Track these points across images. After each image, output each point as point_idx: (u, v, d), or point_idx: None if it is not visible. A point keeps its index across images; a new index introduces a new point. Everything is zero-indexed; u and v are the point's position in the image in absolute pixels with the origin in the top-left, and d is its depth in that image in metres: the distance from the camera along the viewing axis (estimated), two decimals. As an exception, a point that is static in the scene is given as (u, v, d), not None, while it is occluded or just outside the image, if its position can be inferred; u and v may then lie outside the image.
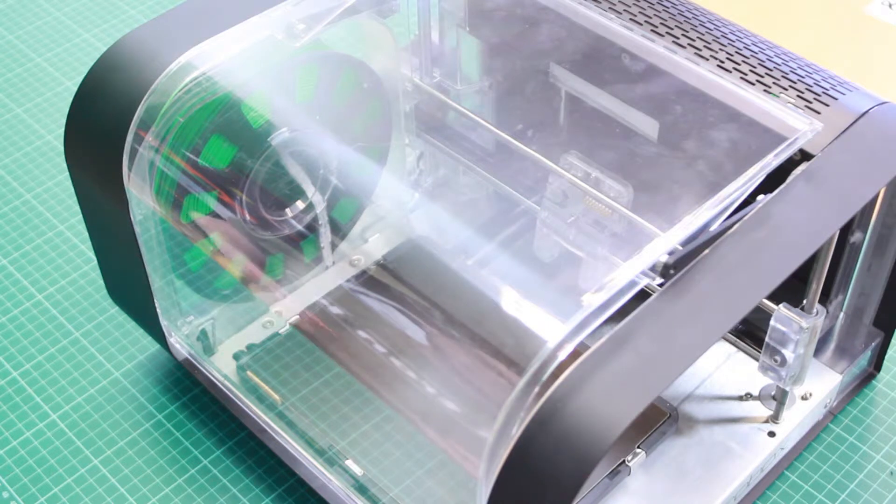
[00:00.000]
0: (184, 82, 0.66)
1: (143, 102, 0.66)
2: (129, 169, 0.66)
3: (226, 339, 0.78)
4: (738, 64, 0.67)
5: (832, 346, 0.77)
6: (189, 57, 0.67)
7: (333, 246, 0.82)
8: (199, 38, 0.69)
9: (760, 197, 0.60)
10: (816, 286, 0.65)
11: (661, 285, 0.56)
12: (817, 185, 0.61)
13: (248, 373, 0.75)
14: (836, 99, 0.65)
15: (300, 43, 0.69)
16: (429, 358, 0.77)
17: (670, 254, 0.56)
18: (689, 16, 0.71)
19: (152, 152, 0.67)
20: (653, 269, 0.56)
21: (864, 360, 0.78)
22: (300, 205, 0.79)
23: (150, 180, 0.68)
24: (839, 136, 0.63)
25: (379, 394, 0.75)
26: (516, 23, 0.77)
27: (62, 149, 0.73)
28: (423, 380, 0.76)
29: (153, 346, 0.82)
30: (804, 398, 0.74)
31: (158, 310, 0.73)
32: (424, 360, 0.77)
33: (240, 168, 0.73)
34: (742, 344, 0.76)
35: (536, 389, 0.52)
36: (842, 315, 0.76)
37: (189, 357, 0.77)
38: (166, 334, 0.75)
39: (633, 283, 0.56)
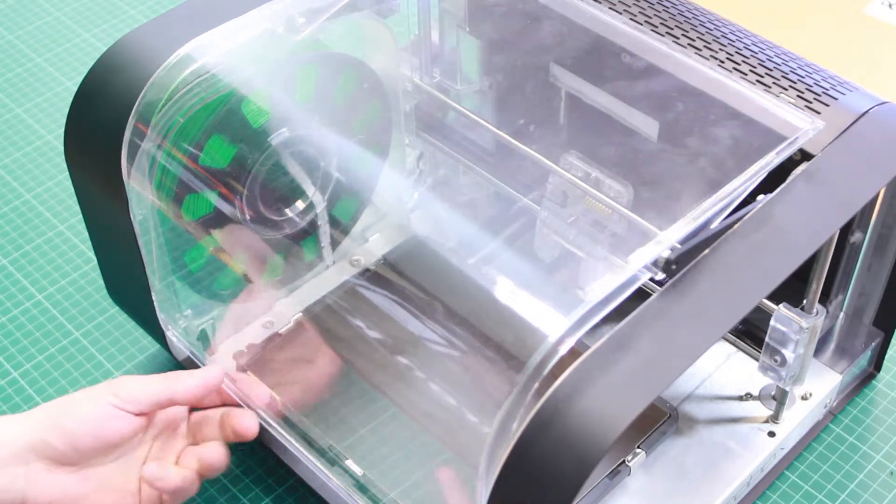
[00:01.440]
0: (184, 83, 0.66)
1: (142, 102, 0.66)
2: (129, 169, 0.66)
3: (226, 339, 0.78)
4: (739, 64, 0.67)
5: (832, 346, 0.77)
6: (189, 57, 0.68)
7: (334, 245, 0.82)
8: (198, 37, 0.69)
9: (760, 197, 0.60)
10: (816, 286, 0.65)
11: (662, 282, 0.56)
12: (817, 185, 0.61)
13: (249, 372, 0.75)
14: (836, 99, 0.65)
15: (300, 36, 0.69)
16: (429, 357, 0.77)
17: (672, 249, 0.56)
18: (689, 16, 0.71)
19: (152, 153, 0.67)
20: (654, 264, 0.56)
21: (864, 360, 0.78)
22: (300, 204, 0.79)
23: (150, 180, 0.68)
24: (839, 136, 0.63)
25: (380, 392, 0.75)
26: (516, 23, 0.77)
27: (62, 149, 0.73)
28: (423, 378, 0.76)
29: (153, 346, 0.82)
30: (804, 398, 0.74)
31: (158, 310, 0.73)
32: (425, 359, 0.77)
33: (240, 168, 0.73)
34: (742, 344, 0.76)
35: (536, 385, 0.52)
36: (842, 315, 0.76)
37: (190, 356, 0.77)
38: (165, 331, 0.75)
39: (634, 279, 0.56)
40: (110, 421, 0.63)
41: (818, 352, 0.75)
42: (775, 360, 0.67)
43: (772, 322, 0.66)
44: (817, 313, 0.66)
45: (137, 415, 0.64)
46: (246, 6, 0.69)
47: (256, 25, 0.69)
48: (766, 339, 0.67)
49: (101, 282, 0.83)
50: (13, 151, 0.98)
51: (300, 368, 0.76)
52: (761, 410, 0.73)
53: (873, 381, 0.79)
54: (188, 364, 0.77)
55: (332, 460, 0.70)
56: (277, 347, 0.77)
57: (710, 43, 0.69)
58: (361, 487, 0.69)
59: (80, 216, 0.78)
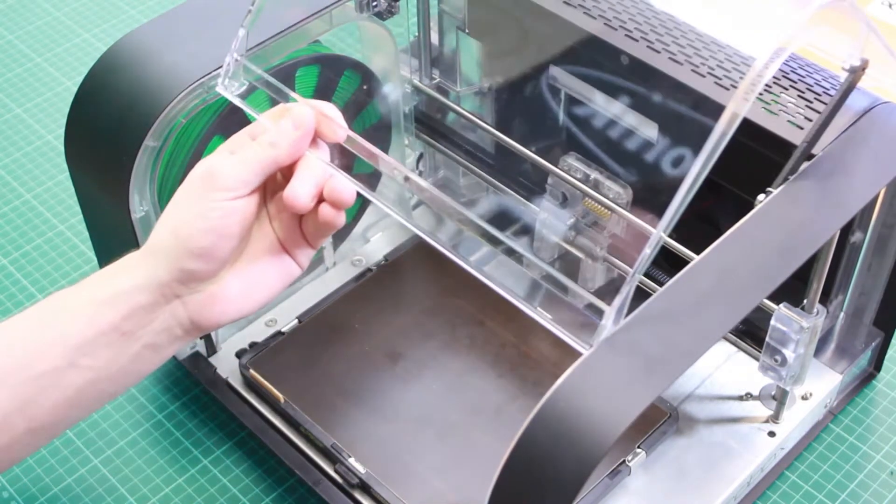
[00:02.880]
0: (185, 82, 0.66)
1: (143, 103, 0.66)
2: (130, 169, 0.66)
3: (228, 337, 0.79)
4: (738, 64, 0.67)
5: (832, 346, 0.77)
6: (190, 58, 0.68)
7: (335, 246, 0.82)
8: (199, 38, 0.69)
9: (760, 197, 0.61)
10: (817, 286, 0.65)
11: (661, 281, 0.56)
12: (817, 185, 0.61)
13: (251, 371, 0.75)
14: (836, 99, 0.65)
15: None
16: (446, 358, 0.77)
17: None
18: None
19: (153, 153, 0.67)
20: None
21: (864, 360, 0.78)
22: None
23: (151, 181, 0.68)
24: (839, 135, 0.63)
25: (385, 394, 0.75)
26: (515, 24, 0.77)
27: (62, 149, 0.73)
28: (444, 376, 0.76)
29: (153, 346, 0.82)
30: (804, 398, 0.74)
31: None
32: (434, 361, 0.77)
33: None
34: (742, 344, 0.76)
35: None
36: (842, 315, 0.76)
37: (192, 355, 0.77)
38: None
39: None
40: (233, 217, 0.58)
41: (818, 352, 0.75)
42: (776, 360, 0.67)
43: (772, 322, 0.66)
44: (818, 313, 0.66)
45: (251, 193, 0.59)
46: (244, 7, 0.68)
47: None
48: (767, 338, 0.67)
49: (102, 282, 0.83)
50: (13, 151, 0.98)
51: None
52: (761, 410, 0.73)
53: (873, 381, 0.79)
54: (189, 363, 0.77)
55: (334, 459, 0.70)
56: (279, 345, 0.77)
57: (709, 44, 0.69)
58: (363, 487, 0.69)
59: (80, 216, 0.78)
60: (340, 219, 0.61)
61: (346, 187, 0.60)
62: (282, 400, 0.73)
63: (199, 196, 0.58)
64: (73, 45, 1.09)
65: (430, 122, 0.83)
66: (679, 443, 0.71)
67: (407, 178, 0.63)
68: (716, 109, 0.64)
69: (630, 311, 0.55)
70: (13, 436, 0.57)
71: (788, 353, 0.66)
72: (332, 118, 0.61)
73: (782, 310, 0.65)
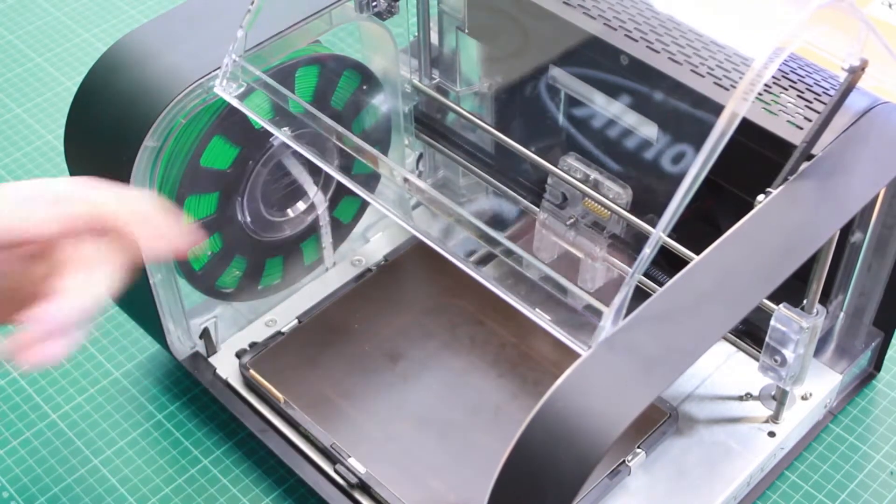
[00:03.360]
0: (185, 83, 0.66)
1: (143, 103, 0.66)
2: (130, 169, 0.66)
3: (228, 338, 0.79)
4: (738, 64, 0.67)
5: (832, 346, 0.77)
6: (190, 58, 0.68)
7: (335, 246, 0.82)
8: (199, 38, 0.69)
9: (760, 197, 0.61)
10: (817, 286, 0.65)
11: (661, 282, 0.56)
12: (817, 185, 0.61)
13: (251, 371, 0.75)
14: (836, 99, 0.65)
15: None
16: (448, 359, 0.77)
17: None
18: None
19: (153, 153, 0.67)
20: None
21: (864, 360, 0.78)
22: (301, 205, 0.79)
23: (151, 181, 0.68)
24: (839, 135, 0.63)
25: (386, 393, 0.75)
26: (515, 24, 0.77)
27: (62, 149, 0.73)
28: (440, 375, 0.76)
29: (153, 346, 0.82)
30: (804, 398, 0.74)
31: (159, 309, 0.73)
32: (436, 361, 0.77)
33: (241, 169, 0.73)
34: (742, 344, 0.76)
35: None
36: (842, 315, 0.76)
37: (190, 354, 0.77)
38: (166, 332, 0.75)
39: None
40: None
41: (818, 352, 0.75)
42: (775, 360, 0.67)
43: (772, 322, 0.66)
44: (817, 313, 0.66)
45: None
46: (244, 7, 0.69)
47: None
48: (767, 338, 0.67)
49: (102, 282, 0.83)
50: (13, 151, 0.98)
51: None
52: (761, 410, 0.73)
53: (873, 381, 0.79)
54: (189, 364, 0.77)
55: (334, 459, 0.70)
56: (279, 345, 0.77)
57: (708, 44, 0.69)
58: (363, 487, 0.69)
59: (81, 216, 0.78)
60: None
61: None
62: (282, 400, 0.73)
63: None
64: (73, 45, 1.09)
65: (429, 122, 0.83)
66: (679, 443, 0.71)
67: (406, 180, 0.63)
68: (715, 109, 0.64)
69: (630, 311, 0.55)
70: None
71: (788, 353, 0.66)
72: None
73: (782, 310, 0.65)
